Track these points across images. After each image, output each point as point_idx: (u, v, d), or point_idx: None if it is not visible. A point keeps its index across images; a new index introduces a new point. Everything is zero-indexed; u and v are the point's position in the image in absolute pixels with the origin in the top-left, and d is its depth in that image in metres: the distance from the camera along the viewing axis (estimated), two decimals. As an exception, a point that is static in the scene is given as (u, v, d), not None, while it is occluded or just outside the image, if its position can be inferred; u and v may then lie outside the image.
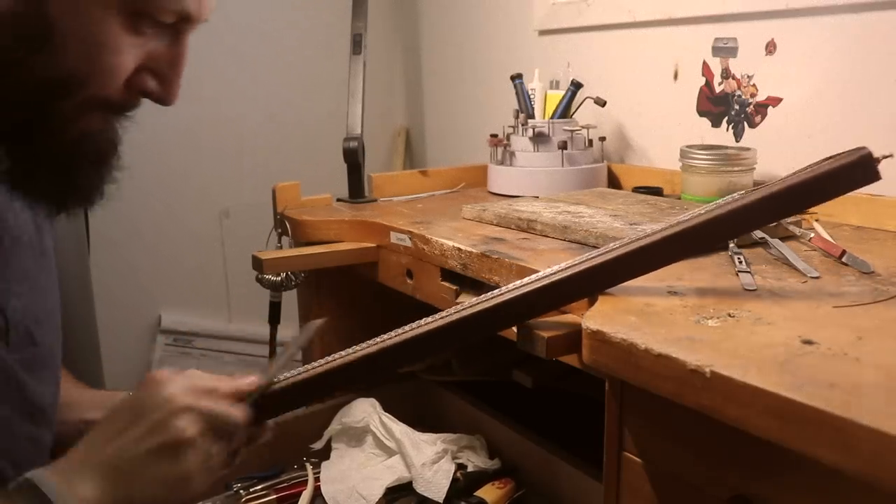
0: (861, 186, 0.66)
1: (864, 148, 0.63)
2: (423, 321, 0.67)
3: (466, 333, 0.66)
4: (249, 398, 0.66)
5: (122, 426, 0.60)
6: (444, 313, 0.67)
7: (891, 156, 0.71)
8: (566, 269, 0.66)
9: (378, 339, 0.67)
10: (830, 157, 0.66)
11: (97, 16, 0.53)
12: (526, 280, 0.66)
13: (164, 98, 0.61)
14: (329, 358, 0.68)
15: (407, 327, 0.67)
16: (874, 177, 0.64)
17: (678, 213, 0.99)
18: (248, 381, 0.67)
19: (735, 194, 0.68)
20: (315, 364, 0.69)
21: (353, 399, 1.17)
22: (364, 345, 0.68)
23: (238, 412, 0.64)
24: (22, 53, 0.52)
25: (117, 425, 0.61)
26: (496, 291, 0.67)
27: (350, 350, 0.68)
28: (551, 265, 0.69)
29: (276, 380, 0.68)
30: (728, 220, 0.65)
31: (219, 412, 0.62)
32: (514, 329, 0.72)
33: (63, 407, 0.78)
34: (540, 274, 0.67)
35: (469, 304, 0.66)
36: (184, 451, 0.60)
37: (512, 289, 0.66)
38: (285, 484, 1.09)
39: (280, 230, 1.24)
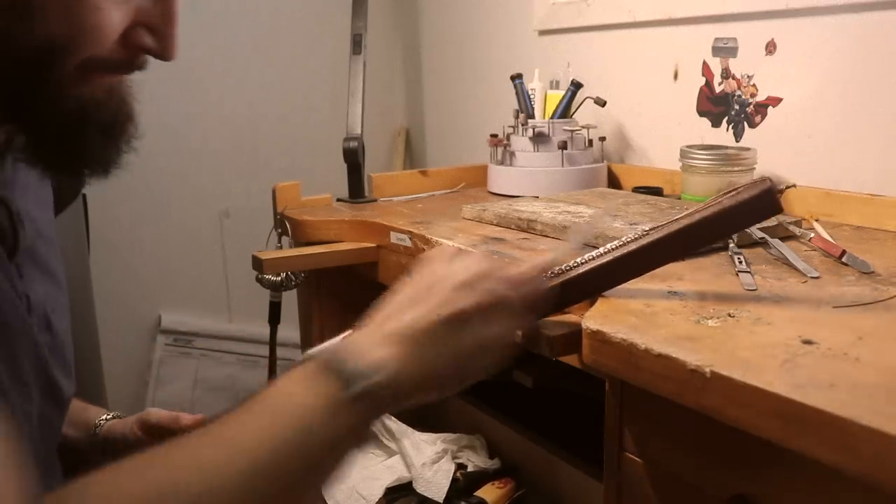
0: (765, 219, 0.67)
1: (766, 180, 0.63)
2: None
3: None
4: (547, 281, 0.65)
5: (412, 297, 0.59)
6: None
7: (793, 186, 0.71)
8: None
9: (659, 225, 0.67)
10: (731, 191, 0.66)
11: None
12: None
13: (162, 52, 0.59)
14: (614, 244, 0.67)
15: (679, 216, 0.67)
16: (775, 210, 0.64)
17: (678, 214, 0.99)
18: (545, 261, 0.65)
19: (638, 230, 0.68)
20: (604, 250, 0.67)
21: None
22: (645, 231, 0.67)
23: (526, 294, 0.61)
24: (3, 24, 0.51)
25: (407, 296, 0.59)
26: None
27: (634, 235, 0.67)
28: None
29: (573, 264, 0.66)
30: (636, 256, 0.66)
31: (504, 293, 0.59)
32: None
33: None
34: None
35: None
36: (481, 318, 0.57)
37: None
38: (285, 484, 1.09)
39: (280, 230, 1.24)
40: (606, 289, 0.69)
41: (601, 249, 0.67)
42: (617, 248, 0.67)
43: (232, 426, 0.50)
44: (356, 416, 0.52)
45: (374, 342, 0.55)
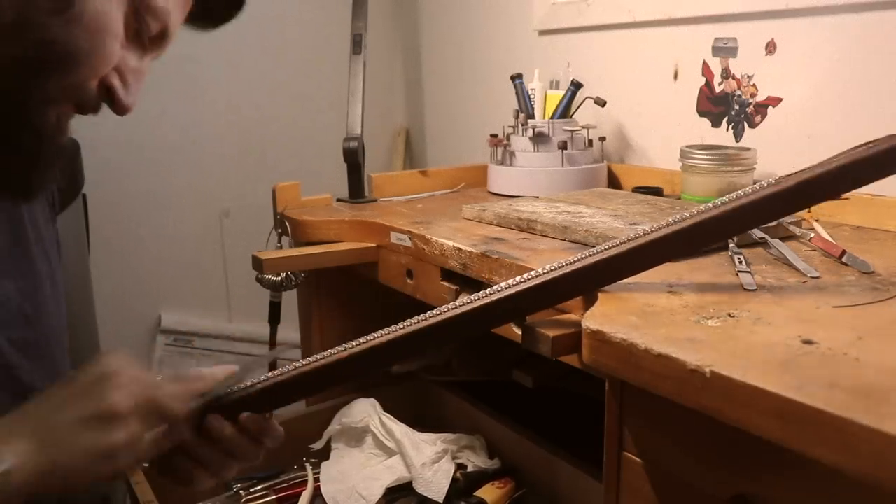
0: (893, 173, 0.65)
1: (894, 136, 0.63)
2: (380, 333, 0.65)
3: (442, 335, 0.64)
4: (196, 401, 0.64)
5: (59, 396, 0.59)
6: (426, 315, 0.65)
7: None
8: (559, 267, 0.66)
9: (344, 347, 0.65)
10: (864, 144, 0.65)
11: (111, 2, 0.55)
12: (521, 278, 0.66)
13: (122, 103, 0.61)
14: (278, 372, 0.66)
15: (397, 325, 0.65)
16: None
17: (678, 214, 0.99)
18: (204, 382, 0.65)
19: (764, 182, 0.67)
20: (261, 379, 0.66)
21: (353, 399, 1.17)
22: (325, 353, 0.66)
23: (178, 406, 0.62)
24: (43, 13, 0.53)
25: (52, 393, 0.60)
26: (489, 290, 0.66)
27: (308, 360, 0.66)
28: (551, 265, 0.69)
29: (228, 389, 0.66)
30: (771, 200, 0.65)
31: (155, 397, 0.60)
32: (517, 329, 0.72)
33: None
34: (534, 272, 0.66)
35: (447, 308, 0.65)
36: (112, 423, 0.58)
37: (506, 287, 0.65)
38: (285, 484, 1.09)
39: (280, 230, 1.24)
40: (278, 405, 0.67)
41: (268, 375, 0.66)
42: (279, 375, 0.65)
43: None
44: None
45: (3, 435, 0.56)
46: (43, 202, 0.74)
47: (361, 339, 0.65)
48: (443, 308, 0.65)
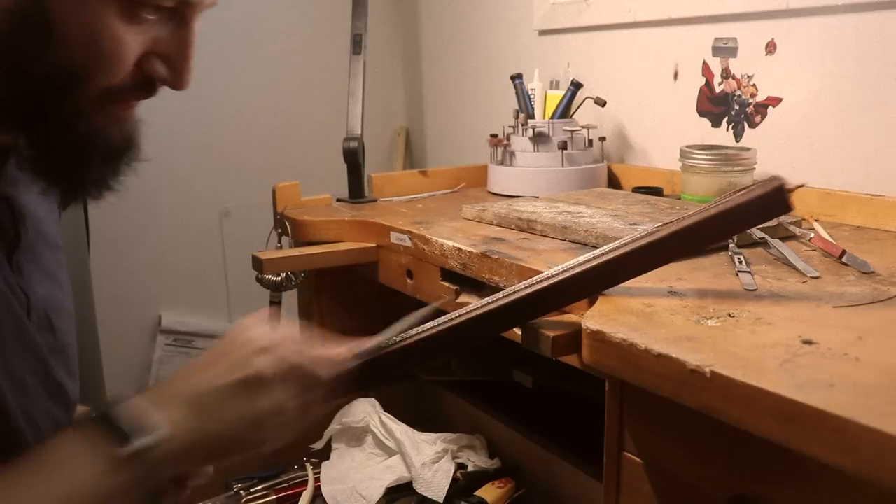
0: (775, 217, 0.67)
1: (777, 178, 0.64)
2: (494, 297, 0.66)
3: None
4: (348, 363, 0.64)
5: (204, 363, 0.60)
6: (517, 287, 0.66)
7: (803, 185, 0.71)
8: (586, 261, 0.66)
9: (459, 312, 0.66)
10: (742, 189, 0.66)
11: (95, 7, 0.53)
12: (569, 264, 0.67)
13: (174, 82, 0.60)
14: (416, 330, 0.67)
15: (481, 302, 0.67)
16: (786, 208, 0.64)
17: (678, 214, 0.99)
18: (343, 350, 0.65)
19: (648, 227, 0.68)
20: (403, 336, 0.67)
21: (353, 399, 1.17)
22: (450, 315, 0.67)
23: (324, 371, 0.62)
24: (24, 46, 0.53)
25: (200, 363, 0.60)
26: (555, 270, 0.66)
27: (444, 319, 0.66)
28: (551, 265, 0.69)
29: (367, 351, 0.66)
30: (639, 254, 0.66)
31: (301, 363, 0.60)
32: (517, 329, 0.72)
33: None
34: (565, 265, 0.67)
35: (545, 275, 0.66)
36: (261, 389, 0.58)
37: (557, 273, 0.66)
38: (285, 484, 1.09)
39: (280, 230, 1.24)
40: (421, 366, 0.68)
41: (414, 331, 0.67)
42: (428, 329, 0.66)
43: (8, 486, 0.52)
44: (128, 477, 0.53)
45: (154, 403, 0.56)
46: (53, 205, 0.74)
47: (490, 298, 0.66)
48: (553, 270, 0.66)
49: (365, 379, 0.66)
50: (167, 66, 0.59)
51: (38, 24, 0.52)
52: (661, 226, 0.67)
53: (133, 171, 0.65)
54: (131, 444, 0.53)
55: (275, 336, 0.61)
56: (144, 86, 0.59)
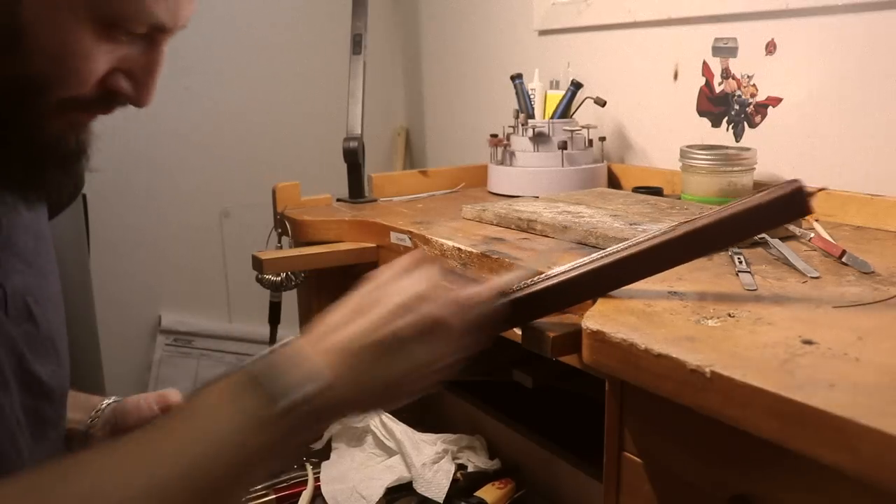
0: (793, 220, 0.66)
1: (796, 181, 0.63)
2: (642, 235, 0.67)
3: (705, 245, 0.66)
4: (496, 301, 0.63)
5: (360, 307, 0.59)
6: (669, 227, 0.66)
7: (823, 189, 0.71)
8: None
9: (613, 249, 0.66)
10: (762, 190, 0.66)
11: (69, 24, 0.54)
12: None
13: (137, 100, 0.61)
14: (567, 266, 0.67)
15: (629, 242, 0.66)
16: (805, 211, 0.64)
17: (678, 214, 0.99)
18: (501, 282, 0.64)
19: (658, 228, 0.68)
20: (555, 272, 0.66)
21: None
22: (600, 254, 0.66)
23: (470, 319, 0.60)
24: None
25: (355, 306, 0.59)
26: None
27: (588, 259, 0.66)
28: (551, 266, 0.69)
29: (525, 284, 0.65)
30: (657, 251, 0.65)
31: (446, 318, 0.58)
32: (517, 329, 0.72)
33: None
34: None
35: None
36: (426, 335, 0.57)
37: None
38: (285, 484, 1.09)
39: (280, 230, 1.24)
40: (564, 306, 0.68)
41: (560, 269, 0.67)
42: (576, 267, 0.66)
43: (157, 438, 0.52)
44: (280, 432, 0.53)
45: (307, 356, 0.56)
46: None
47: (636, 240, 0.66)
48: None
49: (514, 318, 0.65)
50: (132, 84, 0.60)
51: (10, 34, 0.53)
52: (676, 225, 0.66)
53: (82, 179, 0.66)
54: (284, 399, 0.52)
55: (419, 288, 0.59)
56: (106, 100, 0.60)
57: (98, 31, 0.55)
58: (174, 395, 0.85)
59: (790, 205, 0.63)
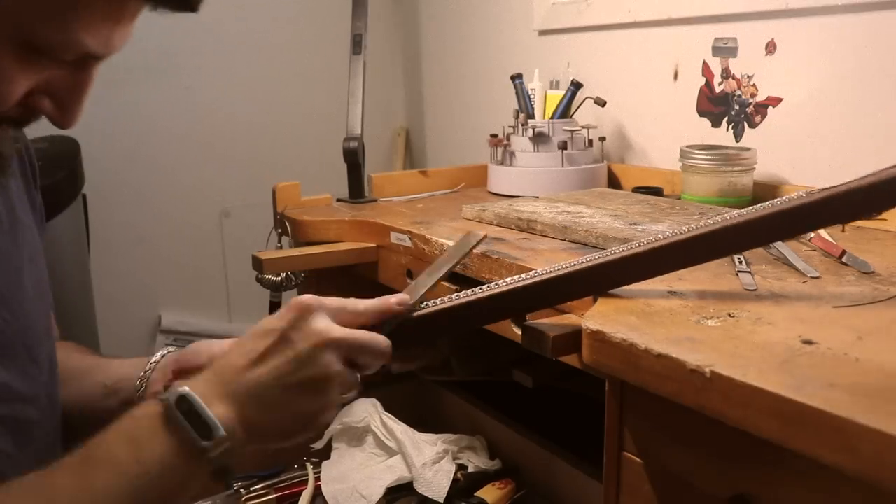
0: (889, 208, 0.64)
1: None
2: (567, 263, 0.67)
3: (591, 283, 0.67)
4: (387, 326, 0.65)
5: (264, 350, 0.60)
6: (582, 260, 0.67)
7: None
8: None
9: (529, 274, 0.67)
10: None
11: None
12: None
13: (59, 121, 0.59)
14: (471, 291, 0.67)
15: (556, 265, 0.67)
16: None
17: (678, 214, 0.99)
18: (392, 302, 0.66)
19: (794, 194, 0.66)
20: (456, 296, 0.67)
21: (354, 399, 1.17)
22: (512, 279, 0.67)
23: (383, 343, 0.63)
24: None
25: (260, 348, 0.60)
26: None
27: (500, 282, 0.67)
28: (551, 265, 0.69)
29: (420, 306, 0.66)
30: (793, 213, 0.63)
31: (365, 344, 0.62)
32: (517, 329, 0.72)
33: (83, 373, 0.80)
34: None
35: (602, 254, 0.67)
36: (327, 386, 0.60)
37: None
38: (285, 483, 1.09)
39: (280, 230, 1.24)
40: (440, 337, 0.68)
41: (438, 301, 0.67)
42: (453, 299, 0.67)
43: (81, 484, 0.55)
44: (194, 468, 0.56)
45: (219, 396, 0.58)
46: (18, 182, 0.74)
47: (540, 270, 0.67)
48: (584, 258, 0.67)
49: (402, 341, 0.66)
50: (55, 105, 0.58)
51: None
52: (796, 197, 0.64)
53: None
54: (200, 441, 0.56)
55: (331, 322, 0.61)
56: (23, 119, 0.59)
57: (20, 56, 0.54)
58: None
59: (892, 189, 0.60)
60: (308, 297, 0.63)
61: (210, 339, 0.82)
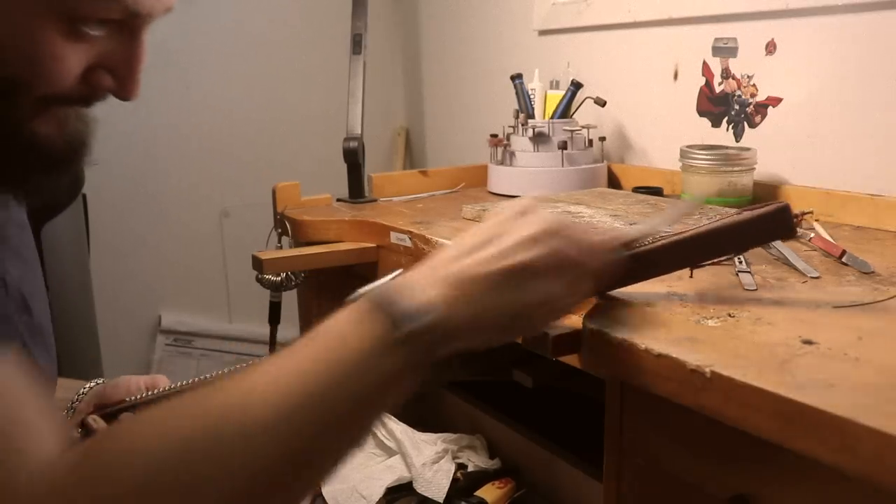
0: (776, 239, 0.66)
1: (783, 202, 0.64)
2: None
3: None
4: (619, 252, 0.62)
5: (476, 243, 0.57)
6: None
7: (810, 213, 0.72)
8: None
9: (720, 214, 0.67)
10: (745, 209, 0.66)
11: (32, 25, 0.53)
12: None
13: (121, 93, 0.60)
14: (683, 227, 0.67)
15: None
16: (790, 231, 0.64)
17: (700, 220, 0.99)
18: (626, 233, 0.64)
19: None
20: (676, 230, 0.66)
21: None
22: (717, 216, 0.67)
23: (595, 262, 0.60)
24: None
25: (472, 242, 0.58)
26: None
27: (707, 221, 0.66)
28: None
29: (650, 240, 0.65)
30: (699, 240, 0.65)
31: (572, 255, 0.57)
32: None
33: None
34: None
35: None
36: (527, 281, 0.56)
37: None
38: (285, 484, 1.09)
39: (280, 230, 1.24)
40: (676, 268, 0.67)
41: (672, 230, 0.66)
42: (685, 230, 0.65)
43: (283, 364, 0.51)
44: (405, 357, 0.51)
45: (426, 284, 0.54)
46: None
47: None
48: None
49: (635, 271, 0.64)
50: (114, 79, 0.59)
51: None
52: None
53: (89, 166, 0.65)
54: (406, 325, 0.51)
55: (546, 224, 0.58)
56: (89, 96, 0.60)
57: (66, 31, 0.54)
58: (163, 379, 0.85)
59: (775, 224, 0.63)
60: (527, 199, 0.60)
61: (132, 376, 0.84)
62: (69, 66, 0.56)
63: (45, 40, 0.54)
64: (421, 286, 0.54)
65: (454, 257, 0.56)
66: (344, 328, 0.53)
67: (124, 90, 0.60)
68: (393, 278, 0.56)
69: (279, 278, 1.20)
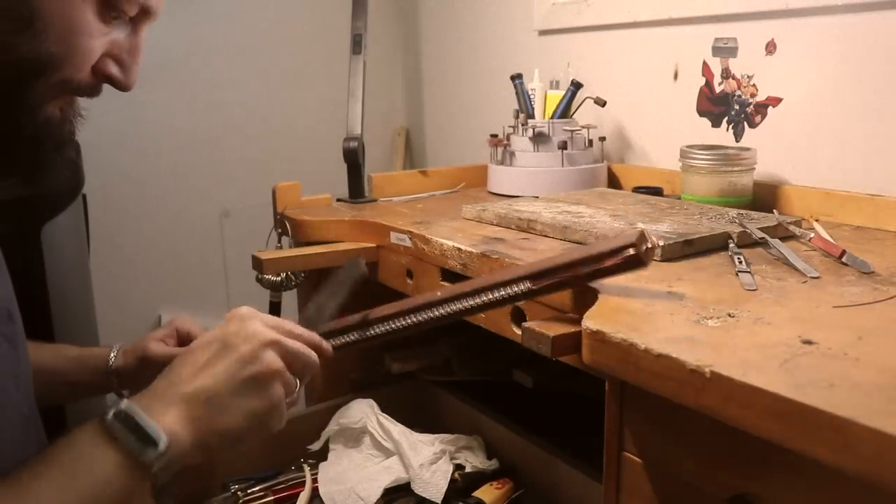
0: (628, 271, 0.68)
1: (638, 231, 0.67)
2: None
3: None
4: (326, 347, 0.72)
5: (209, 358, 0.63)
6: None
7: (659, 246, 0.77)
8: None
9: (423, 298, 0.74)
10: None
11: (76, 2, 0.57)
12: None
13: (124, 83, 0.64)
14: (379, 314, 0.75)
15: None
16: (640, 263, 0.66)
17: (678, 214, 0.99)
18: (324, 346, 0.72)
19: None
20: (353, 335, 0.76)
21: (351, 400, 1.17)
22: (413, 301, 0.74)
23: (313, 353, 0.68)
24: (6, 35, 0.55)
25: (204, 357, 0.63)
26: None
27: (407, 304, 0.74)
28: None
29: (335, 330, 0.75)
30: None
31: (301, 350, 0.66)
32: (517, 329, 0.72)
33: (48, 373, 0.82)
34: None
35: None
36: (272, 382, 0.63)
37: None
38: (283, 485, 1.09)
39: (280, 230, 1.24)
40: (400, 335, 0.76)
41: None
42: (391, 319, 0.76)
43: (31, 486, 0.55)
44: (141, 479, 0.57)
45: (164, 405, 0.60)
46: None
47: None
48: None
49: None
50: (120, 68, 0.63)
51: (23, 14, 0.55)
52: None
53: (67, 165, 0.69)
54: (142, 452, 0.57)
55: (275, 328, 0.66)
56: (95, 85, 0.63)
57: (98, 11, 0.58)
58: (183, 322, 0.96)
59: (626, 257, 0.65)
60: (245, 308, 0.68)
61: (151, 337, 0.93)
62: (95, 47, 0.59)
63: (84, 17, 0.57)
64: (159, 409, 0.59)
65: (193, 372, 0.63)
66: (84, 452, 0.57)
67: (127, 80, 0.64)
68: (135, 399, 0.61)
69: (279, 278, 1.20)
